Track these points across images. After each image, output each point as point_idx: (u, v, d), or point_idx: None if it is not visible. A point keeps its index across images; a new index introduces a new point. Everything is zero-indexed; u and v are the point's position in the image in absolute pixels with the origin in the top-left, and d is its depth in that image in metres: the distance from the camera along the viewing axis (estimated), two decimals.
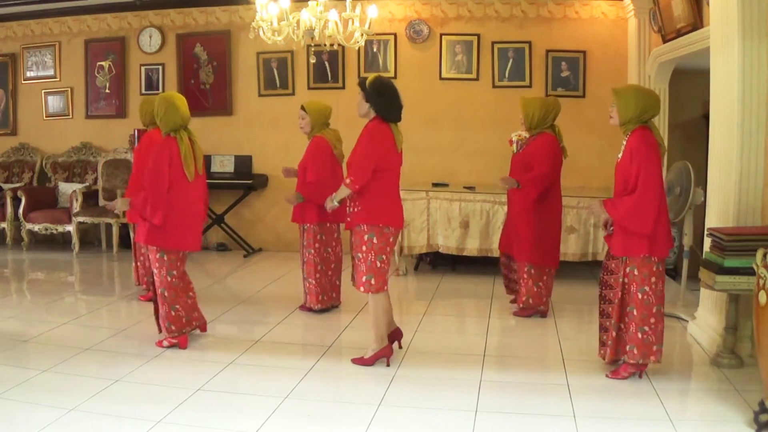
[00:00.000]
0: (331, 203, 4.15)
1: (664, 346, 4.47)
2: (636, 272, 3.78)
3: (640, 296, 3.78)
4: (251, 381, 3.87)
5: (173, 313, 4.35)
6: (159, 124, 4.33)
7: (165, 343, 4.39)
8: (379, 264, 4.01)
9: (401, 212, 4.20)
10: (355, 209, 4.05)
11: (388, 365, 4.11)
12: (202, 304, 5.46)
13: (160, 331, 4.45)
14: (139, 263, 5.70)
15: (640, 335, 3.79)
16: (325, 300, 5.29)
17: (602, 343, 4.03)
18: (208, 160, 7.96)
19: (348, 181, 4.00)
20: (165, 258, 4.28)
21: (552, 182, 5.07)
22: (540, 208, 5.08)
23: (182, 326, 4.39)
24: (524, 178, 5.07)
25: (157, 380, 3.82)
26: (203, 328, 4.59)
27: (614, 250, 3.86)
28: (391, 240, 4.07)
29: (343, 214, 4.35)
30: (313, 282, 5.23)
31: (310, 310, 5.31)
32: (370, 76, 4.10)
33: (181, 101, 4.34)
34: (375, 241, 3.99)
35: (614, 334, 3.89)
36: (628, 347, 3.83)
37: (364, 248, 4.00)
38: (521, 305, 5.25)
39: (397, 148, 4.08)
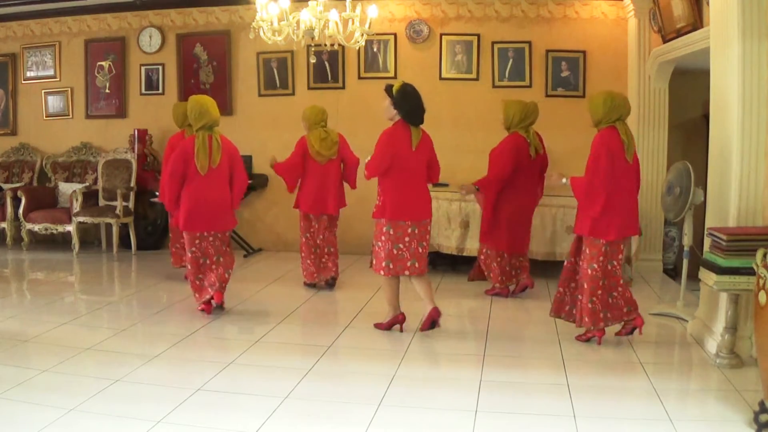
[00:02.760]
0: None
1: (665, 346, 4.48)
2: (587, 251, 4.38)
3: (589, 272, 4.36)
4: (251, 381, 3.87)
5: (197, 283, 5.18)
6: (191, 123, 5.06)
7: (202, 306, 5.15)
8: (395, 251, 4.60)
9: (421, 205, 4.69)
10: (378, 202, 4.66)
11: (401, 331, 4.76)
12: None
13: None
14: (176, 248, 6.26)
15: (590, 305, 4.37)
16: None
17: (559, 301, 4.66)
18: None
19: (365, 173, 4.69)
20: (187, 237, 5.11)
21: (513, 178, 5.60)
22: (497, 204, 5.70)
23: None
24: (481, 181, 5.77)
25: (157, 380, 3.82)
26: (216, 299, 5.15)
27: (575, 228, 4.54)
28: (409, 231, 4.61)
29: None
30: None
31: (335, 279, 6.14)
32: (397, 83, 4.59)
33: (212, 105, 5.05)
34: (392, 232, 4.58)
35: (578, 302, 4.51)
36: (582, 316, 4.44)
37: (383, 237, 4.62)
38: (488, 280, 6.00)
39: (413, 147, 4.58)
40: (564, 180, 4.51)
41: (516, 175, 5.62)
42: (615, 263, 4.38)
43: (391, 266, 4.62)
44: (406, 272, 4.64)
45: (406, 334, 4.77)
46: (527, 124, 5.65)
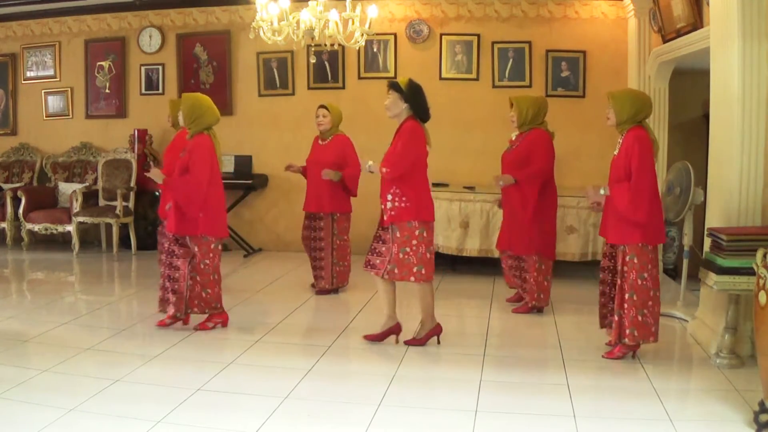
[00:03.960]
0: (368, 167, 4.47)
1: (664, 346, 4.47)
2: (636, 260, 4.04)
3: (639, 282, 4.04)
4: (251, 381, 3.87)
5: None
6: (192, 123, 4.63)
7: (210, 324, 4.81)
8: (428, 255, 4.40)
9: (433, 207, 4.51)
10: (403, 204, 4.32)
11: (438, 343, 4.53)
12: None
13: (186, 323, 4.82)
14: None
15: (639, 318, 4.06)
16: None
17: (603, 317, 4.35)
18: None
19: (384, 170, 4.31)
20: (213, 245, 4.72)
21: (549, 177, 5.22)
22: (540, 204, 5.17)
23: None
24: (522, 173, 5.15)
25: (157, 380, 3.82)
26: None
27: (611, 238, 4.18)
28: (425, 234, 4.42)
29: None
30: (346, 264, 5.89)
31: (327, 292, 5.86)
32: (403, 79, 4.42)
33: (212, 102, 4.77)
34: (425, 234, 4.36)
35: (616, 318, 4.13)
36: (628, 330, 4.07)
37: (414, 242, 4.33)
38: (533, 302, 5.27)
39: (429, 145, 4.42)
40: (603, 191, 4.16)
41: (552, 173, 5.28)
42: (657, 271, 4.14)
43: (423, 271, 4.35)
44: (412, 279, 4.38)
45: (406, 334, 4.76)
46: (541, 117, 5.25)
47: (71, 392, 3.57)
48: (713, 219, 4.48)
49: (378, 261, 4.40)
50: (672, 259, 7.18)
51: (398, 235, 4.33)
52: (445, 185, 6.99)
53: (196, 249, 4.64)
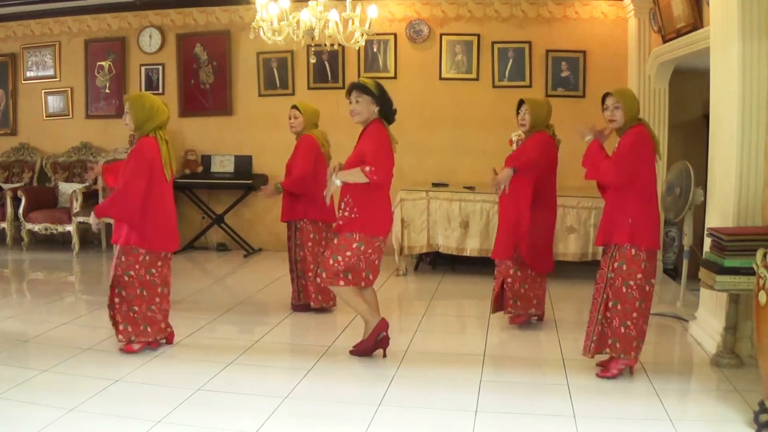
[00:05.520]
0: (336, 180, 3.99)
1: (664, 346, 4.47)
2: (624, 267, 3.82)
3: (624, 290, 3.82)
4: (251, 381, 3.87)
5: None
6: (143, 124, 4.14)
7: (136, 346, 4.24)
8: (362, 265, 4.12)
9: (391, 218, 4.26)
10: (352, 215, 4.05)
11: (386, 342, 4.20)
12: (202, 304, 5.48)
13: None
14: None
15: (622, 329, 3.83)
16: (320, 299, 5.22)
17: (588, 337, 3.99)
18: (208, 160, 8.01)
19: (368, 169, 3.88)
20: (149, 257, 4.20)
21: (544, 183, 4.79)
22: (534, 215, 4.75)
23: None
24: (516, 162, 4.77)
25: (157, 380, 3.82)
26: (170, 340, 4.47)
27: (599, 239, 3.98)
28: (376, 245, 4.12)
29: (333, 214, 4.46)
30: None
31: (306, 308, 5.28)
32: (370, 81, 4.10)
33: (159, 101, 4.23)
34: (362, 248, 4.08)
35: (599, 328, 3.90)
36: (610, 341, 3.87)
37: (349, 253, 4.06)
38: (533, 311, 4.97)
39: (395, 150, 4.12)
40: (588, 137, 3.95)
41: (547, 180, 4.85)
42: (653, 282, 3.89)
43: (350, 276, 4.10)
44: (362, 283, 4.16)
45: (406, 334, 4.77)
46: (549, 119, 4.94)
47: (71, 392, 3.57)
48: (713, 219, 4.48)
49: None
50: (672, 259, 7.19)
51: (335, 242, 4.11)
52: (445, 185, 6.99)
53: (122, 260, 4.14)
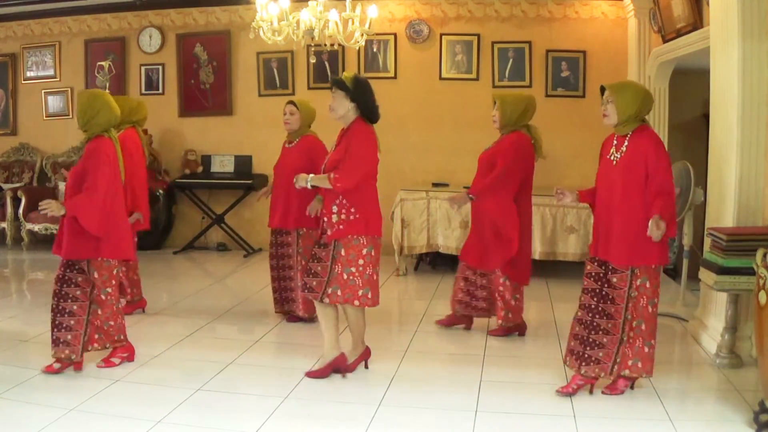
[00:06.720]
0: (304, 182, 3.81)
1: (664, 346, 4.47)
2: (648, 284, 3.51)
3: (650, 309, 3.53)
4: (251, 381, 3.87)
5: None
6: (86, 125, 3.88)
7: (116, 360, 4.05)
8: (375, 277, 3.87)
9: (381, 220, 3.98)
10: (351, 217, 3.77)
11: (366, 367, 4.03)
12: (202, 303, 5.46)
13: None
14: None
15: (646, 350, 3.56)
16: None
17: (573, 352, 3.66)
18: (208, 160, 8.00)
19: (333, 176, 3.70)
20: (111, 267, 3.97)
21: (521, 187, 4.60)
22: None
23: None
24: (477, 188, 4.61)
25: (157, 380, 3.82)
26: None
27: (619, 259, 3.50)
28: (378, 246, 3.91)
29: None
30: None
31: (299, 319, 4.97)
32: (349, 74, 3.93)
33: (110, 99, 3.98)
34: (373, 253, 3.83)
35: (616, 349, 3.58)
36: (630, 362, 3.57)
37: (361, 261, 3.78)
38: (501, 322, 4.72)
39: (380, 150, 3.90)
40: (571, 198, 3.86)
41: (525, 184, 4.65)
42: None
43: (370, 295, 3.83)
44: (356, 302, 3.84)
45: (405, 334, 4.77)
46: (527, 119, 4.67)
47: (71, 392, 3.57)
48: (713, 219, 4.48)
49: (315, 283, 3.81)
50: (672, 259, 7.18)
51: (343, 253, 3.76)
52: (445, 185, 6.99)
53: (95, 276, 3.90)
